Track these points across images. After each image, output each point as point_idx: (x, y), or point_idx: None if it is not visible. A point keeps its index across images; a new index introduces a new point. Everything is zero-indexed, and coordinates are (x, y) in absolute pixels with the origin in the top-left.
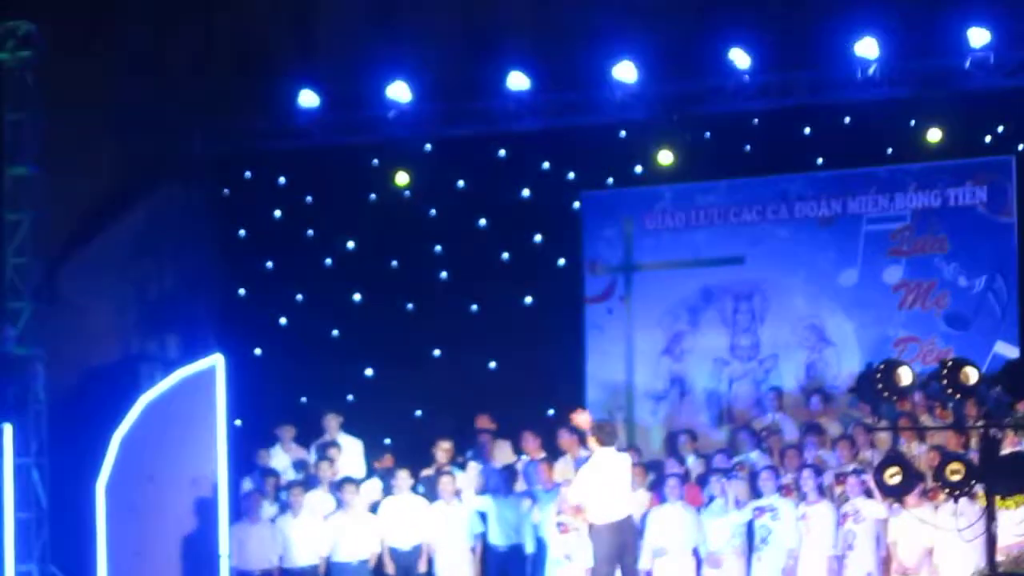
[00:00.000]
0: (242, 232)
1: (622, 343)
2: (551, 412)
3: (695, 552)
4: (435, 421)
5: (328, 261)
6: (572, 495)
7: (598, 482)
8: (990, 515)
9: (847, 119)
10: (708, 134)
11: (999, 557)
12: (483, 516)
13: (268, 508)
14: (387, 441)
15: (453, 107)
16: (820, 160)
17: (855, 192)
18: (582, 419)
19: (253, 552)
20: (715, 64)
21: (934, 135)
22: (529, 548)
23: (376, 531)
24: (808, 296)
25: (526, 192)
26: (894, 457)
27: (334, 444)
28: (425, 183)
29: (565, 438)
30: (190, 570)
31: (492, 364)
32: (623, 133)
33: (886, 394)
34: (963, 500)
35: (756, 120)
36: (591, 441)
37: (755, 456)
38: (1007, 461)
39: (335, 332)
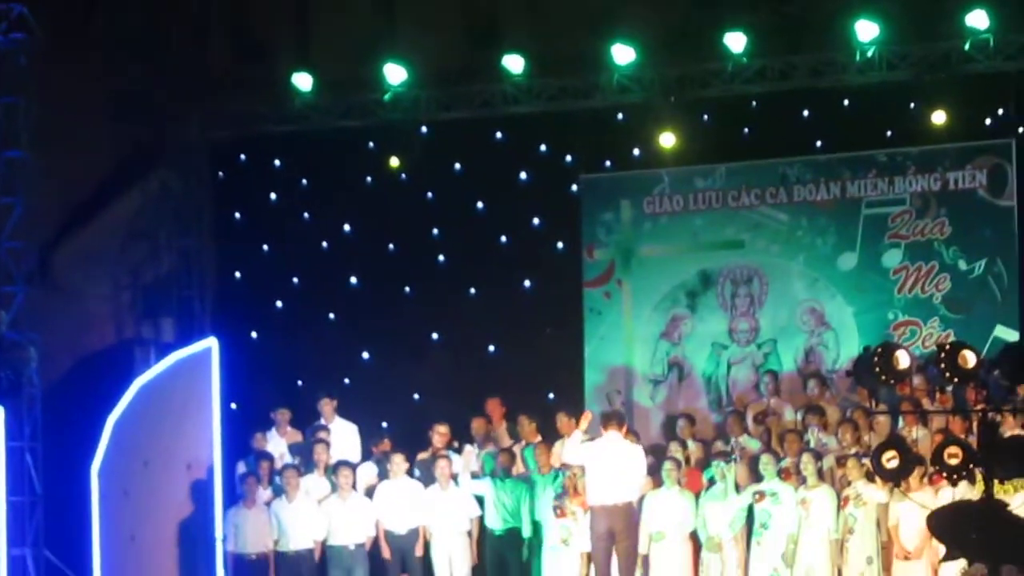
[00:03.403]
0: (238, 215)
1: (620, 327)
2: (551, 396)
3: (693, 537)
4: (433, 405)
5: (325, 244)
6: (568, 452)
7: (599, 462)
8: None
9: (846, 102)
10: (706, 117)
11: None
12: (480, 500)
13: (263, 492)
14: (384, 425)
15: (449, 90)
16: (819, 143)
17: (854, 175)
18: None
19: (248, 536)
20: (713, 47)
21: (939, 118)
22: (526, 532)
23: (372, 515)
24: (807, 280)
25: (524, 175)
26: (892, 441)
27: (327, 428)
28: (422, 166)
29: (564, 422)
30: (185, 554)
31: (491, 348)
32: (621, 116)
33: (884, 378)
34: (963, 484)
35: (755, 103)
36: (601, 427)
37: (744, 440)
38: (1006, 445)
39: (332, 316)
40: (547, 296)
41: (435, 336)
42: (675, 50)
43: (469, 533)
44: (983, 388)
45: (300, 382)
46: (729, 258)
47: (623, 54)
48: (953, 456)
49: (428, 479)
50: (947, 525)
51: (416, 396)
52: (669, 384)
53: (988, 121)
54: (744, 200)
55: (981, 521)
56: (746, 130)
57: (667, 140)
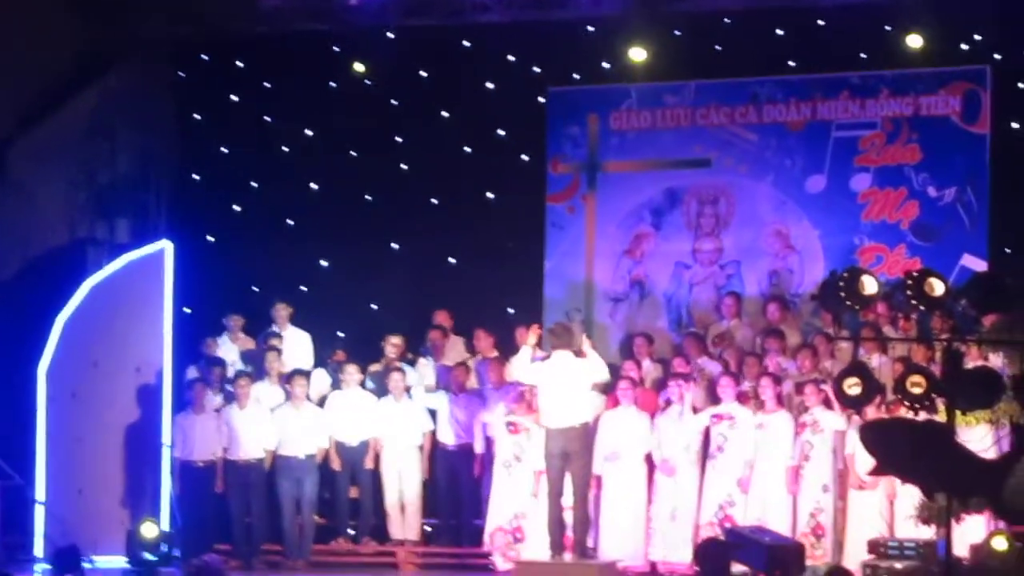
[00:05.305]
0: (197, 116)
1: (582, 242)
2: (510, 310)
3: (647, 458)
4: (390, 316)
5: (285, 148)
6: (518, 371)
7: (552, 384)
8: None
9: (820, 22)
10: (678, 33)
11: None
12: (433, 414)
13: (213, 398)
14: (340, 334)
15: None
16: (792, 63)
17: (826, 97)
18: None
19: (197, 442)
20: None
21: (914, 41)
22: (478, 447)
23: (325, 426)
24: (774, 202)
25: (490, 85)
26: (854, 367)
27: (279, 335)
28: (387, 72)
29: (524, 336)
30: (132, 458)
31: (451, 259)
32: (591, 28)
33: (849, 303)
34: (923, 414)
35: (727, 20)
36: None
37: (703, 362)
38: (970, 376)
39: (290, 221)
40: (510, 208)
41: (395, 245)
42: None
43: (421, 447)
44: (949, 317)
45: (255, 288)
46: (696, 176)
47: None
48: (916, 385)
49: (381, 391)
50: (880, 439)
51: (373, 306)
52: (630, 302)
53: (964, 47)
54: (713, 118)
55: (918, 443)
56: (718, 47)
57: (637, 54)
